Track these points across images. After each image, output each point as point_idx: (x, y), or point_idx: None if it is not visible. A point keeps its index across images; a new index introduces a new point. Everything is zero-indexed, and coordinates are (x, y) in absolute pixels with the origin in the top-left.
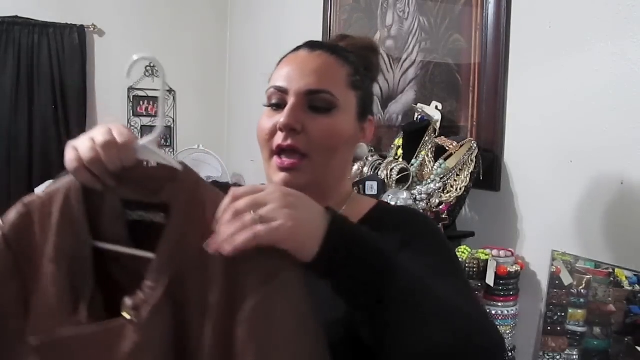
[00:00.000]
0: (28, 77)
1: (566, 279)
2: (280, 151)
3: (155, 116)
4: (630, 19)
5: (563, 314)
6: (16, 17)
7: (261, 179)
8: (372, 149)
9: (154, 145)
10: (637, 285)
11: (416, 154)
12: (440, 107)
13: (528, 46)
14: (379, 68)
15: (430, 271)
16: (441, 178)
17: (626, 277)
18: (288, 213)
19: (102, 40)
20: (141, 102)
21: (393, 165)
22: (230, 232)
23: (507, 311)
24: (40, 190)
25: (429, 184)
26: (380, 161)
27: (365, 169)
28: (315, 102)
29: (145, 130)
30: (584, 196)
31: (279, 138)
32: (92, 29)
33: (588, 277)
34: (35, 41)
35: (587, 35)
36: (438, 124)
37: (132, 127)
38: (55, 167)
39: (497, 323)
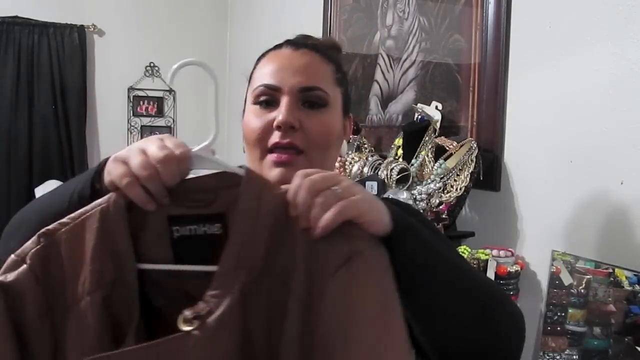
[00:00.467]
0: (28, 77)
1: (566, 279)
2: (274, 148)
3: (155, 116)
4: (630, 19)
5: (563, 314)
6: (16, 17)
7: None
8: (372, 149)
9: (209, 153)
10: (637, 285)
11: (416, 154)
12: (440, 107)
13: (528, 46)
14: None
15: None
16: (441, 178)
17: (626, 277)
18: (359, 188)
19: (102, 40)
20: (141, 102)
21: (393, 165)
22: (316, 210)
23: None
24: (40, 190)
25: (429, 184)
26: (380, 161)
27: (365, 169)
28: (308, 99)
29: (145, 130)
30: (584, 196)
31: (276, 136)
32: (92, 29)
33: (588, 277)
34: (35, 41)
35: (587, 35)
36: (438, 124)
37: (132, 127)
38: (55, 167)
39: None
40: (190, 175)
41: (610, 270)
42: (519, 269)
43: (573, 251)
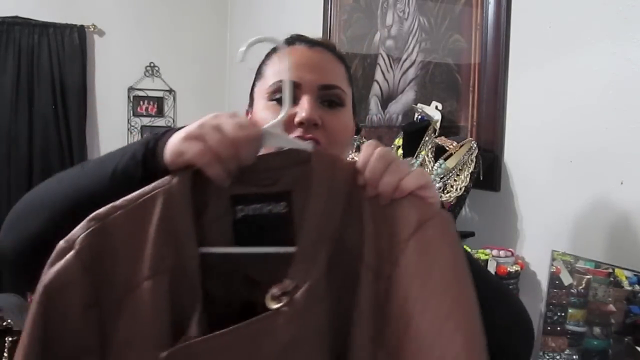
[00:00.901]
0: (28, 77)
1: (566, 279)
2: None
3: (155, 116)
4: (630, 19)
5: (563, 314)
6: (16, 17)
7: None
8: None
9: (280, 129)
10: (637, 285)
11: (416, 154)
12: (440, 107)
13: (528, 46)
14: None
15: None
16: (441, 178)
17: (626, 277)
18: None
19: (102, 40)
20: (141, 102)
21: None
22: (390, 177)
23: None
24: None
25: None
26: None
27: None
28: (328, 97)
29: (145, 130)
30: (584, 196)
31: (298, 132)
32: (92, 29)
33: (588, 277)
34: (35, 41)
35: (587, 35)
36: (438, 124)
37: (132, 127)
38: (55, 167)
39: None
40: None
41: (610, 270)
42: (519, 269)
43: (573, 251)
